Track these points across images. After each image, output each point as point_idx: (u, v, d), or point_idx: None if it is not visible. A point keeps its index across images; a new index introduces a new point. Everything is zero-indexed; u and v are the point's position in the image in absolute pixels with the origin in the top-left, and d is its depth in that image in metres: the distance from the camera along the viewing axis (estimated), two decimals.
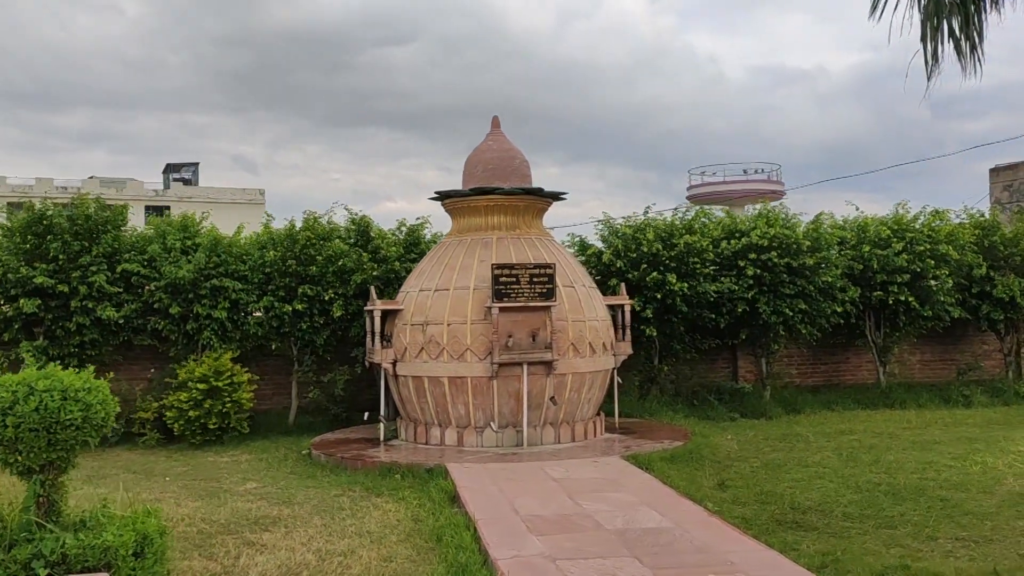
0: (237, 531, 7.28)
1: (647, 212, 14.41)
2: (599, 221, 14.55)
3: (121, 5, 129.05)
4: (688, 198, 35.91)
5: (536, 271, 10.54)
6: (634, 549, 6.28)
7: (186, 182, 57.63)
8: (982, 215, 16.16)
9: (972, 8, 6.64)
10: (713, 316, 13.80)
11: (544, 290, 10.52)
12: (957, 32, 6.71)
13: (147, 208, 48.95)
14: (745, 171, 38.10)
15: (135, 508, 4.79)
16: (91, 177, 53.20)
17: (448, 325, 10.54)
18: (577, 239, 14.76)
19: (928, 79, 6.78)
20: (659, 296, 13.25)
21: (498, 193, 11.27)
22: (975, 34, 6.69)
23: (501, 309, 10.39)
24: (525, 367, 10.35)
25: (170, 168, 59.71)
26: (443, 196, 11.72)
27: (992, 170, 22.58)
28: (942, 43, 6.71)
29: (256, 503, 8.33)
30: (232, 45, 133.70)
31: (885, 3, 6.86)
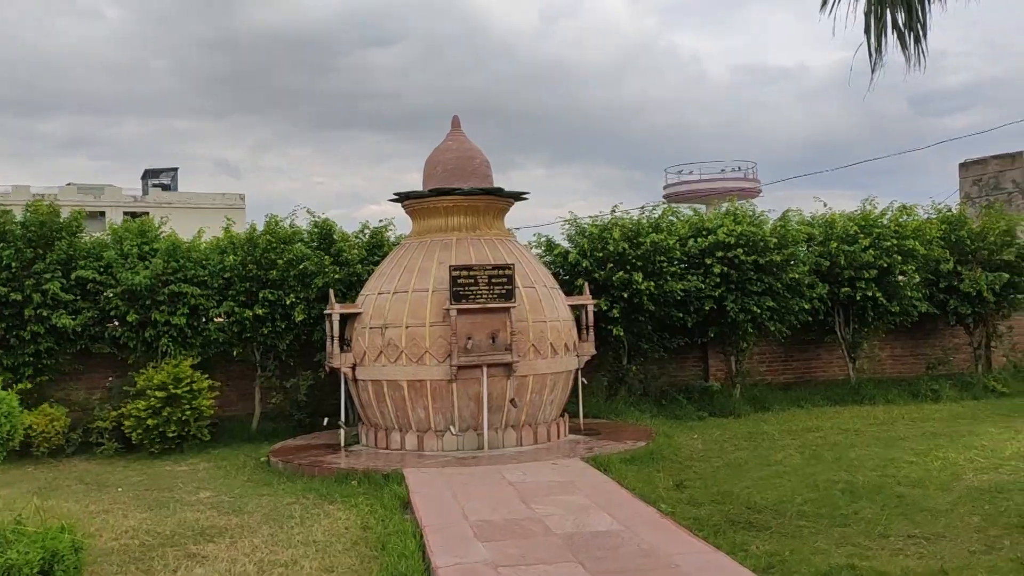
0: (180, 543, 7.12)
1: (614, 211, 14.31)
2: (565, 221, 14.47)
3: (102, 9, 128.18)
4: (664, 197, 35.80)
5: (495, 272, 10.41)
6: (579, 554, 6.17)
7: (165, 187, 57.24)
8: (949, 210, 16.16)
9: (915, 1, 6.57)
10: (681, 315, 13.72)
11: (503, 291, 10.39)
12: (901, 25, 6.65)
13: (125, 214, 48.53)
14: (723, 169, 38.12)
15: (47, 524, 4.63)
16: (68, 184, 52.77)
17: (406, 328, 10.40)
18: (544, 239, 14.65)
19: (872, 71, 6.71)
20: (626, 295, 13.14)
21: (457, 194, 11.14)
22: (919, 26, 6.62)
23: (459, 311, 10.26)
24: (485, 369, 10.22)
25: (149, 174, 59.31)
26: (403, 197, 11.58)
27: (961, 165, 22.54)
28: (886, 36, 6.64)
29: (206, 513, 8.17)
30: (214, 49, 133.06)
31: None
